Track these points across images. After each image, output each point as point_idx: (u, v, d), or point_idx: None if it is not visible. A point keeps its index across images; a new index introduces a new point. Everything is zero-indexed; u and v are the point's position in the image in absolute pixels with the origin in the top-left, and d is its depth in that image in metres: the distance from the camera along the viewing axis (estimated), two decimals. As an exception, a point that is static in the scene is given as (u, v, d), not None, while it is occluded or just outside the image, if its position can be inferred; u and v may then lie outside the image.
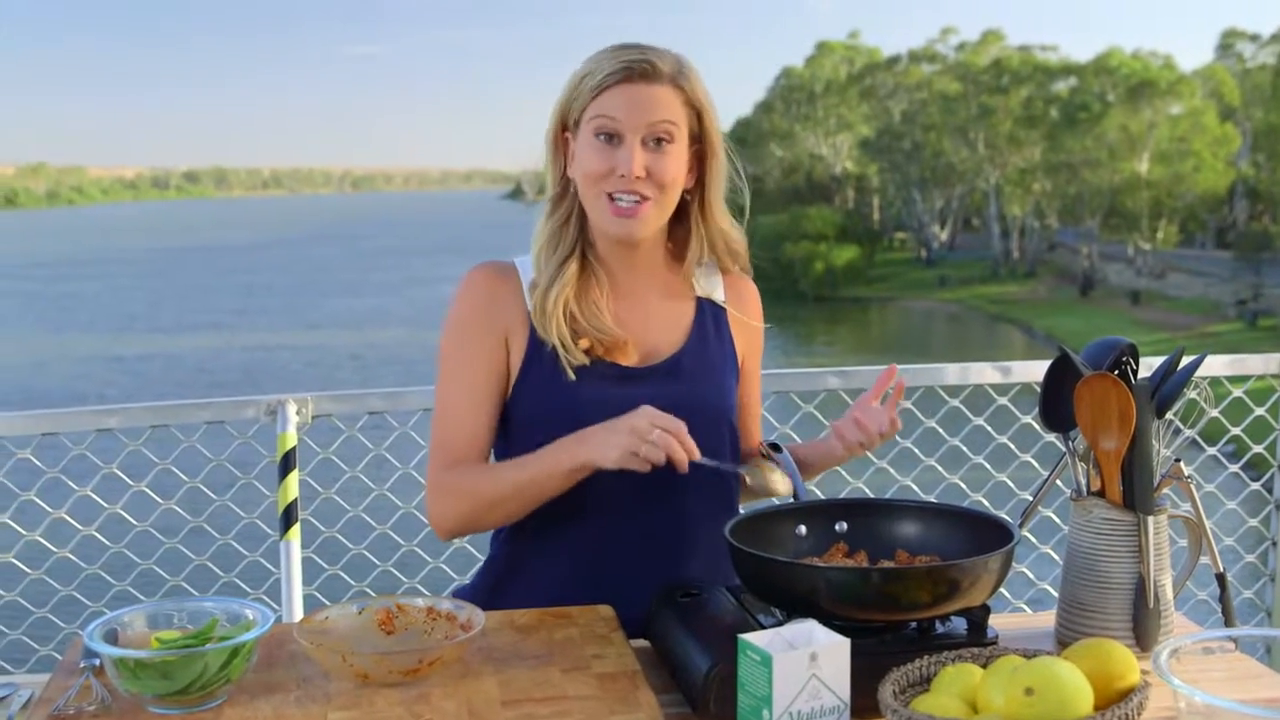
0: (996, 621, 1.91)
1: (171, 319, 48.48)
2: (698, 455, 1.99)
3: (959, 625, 1.87)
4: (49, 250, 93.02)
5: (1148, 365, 2.09)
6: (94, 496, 3.37)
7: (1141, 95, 53.71)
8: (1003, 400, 3.64)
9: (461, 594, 2.31)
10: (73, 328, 46.41)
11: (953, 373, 3.60)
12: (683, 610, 1.91)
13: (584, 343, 2.17)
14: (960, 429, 3.67)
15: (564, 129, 2.20)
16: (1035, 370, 3.51)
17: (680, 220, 2.28)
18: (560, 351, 2.16)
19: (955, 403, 3.64)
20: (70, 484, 3.36)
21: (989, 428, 3.67)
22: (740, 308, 2.39)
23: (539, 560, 2.25)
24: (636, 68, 2.10)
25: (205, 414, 3.31)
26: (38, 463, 3.30)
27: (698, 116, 2.18)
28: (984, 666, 1.64)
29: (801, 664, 1.55)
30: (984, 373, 3.60)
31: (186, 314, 50.08)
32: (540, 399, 2.18)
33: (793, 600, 1.84)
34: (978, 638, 1.84)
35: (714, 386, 2.28)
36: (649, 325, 2.26)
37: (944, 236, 66.22)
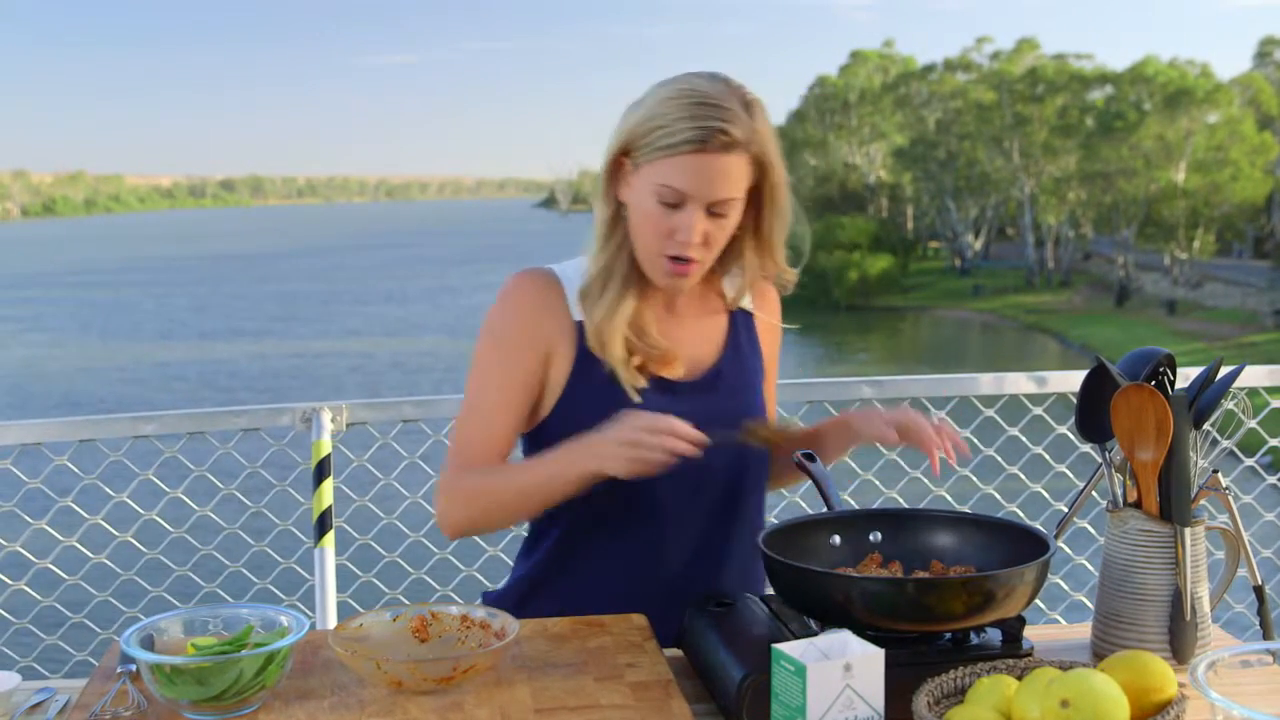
0: (1031, 633, 1.91)
1: (211, 326, 48.78)
2: (700, 439, 1.98)
3: (994, 636, 1.86)
4: (88, 258, 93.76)
5: (1185, 376, 2.08)
6: (130, 503, 3.40)
7: (1178, 104, 53.40)
8: (1038, 410, 3.62)
9: (490, 600, 2.32)
10: (113, 335, 46.75)
11: (987, 383, 3.58)
12: (716, 620, 1.91)
13: (636, 360, 2.17)
14: (995, 439, 3.65)
15: (625, 154, 2.14)
16: (1071, 380, 3.49)
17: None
18: (621, 373, 2.16)
19: (990, 413, 3.62)
20: (107, 490, 3.38)
21: (1024, 438, 3.65)
22: (763, 308, 2.40)
23: (570, 571, 2.26)
24: (713, 140, 2.04)
25: (241, 421, 3.33)
26: (75, 469, 3.32)
27: (762, 169, 2.14)
28: (1019, 678, 1.63)
29: (836, 674, 1.54)
30: (1019, 383, 3.58)
31: (225, 321, 50.39)
32: (592, 414, 2.13)
33: (827, 610, 1.83)
34: (1013, 649, 1.83)
35: (751, 397, 2.30)
36: (690, 339, 2.26)
37: (978, 246, 65.99)
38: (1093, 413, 2.05)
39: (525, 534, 2.37)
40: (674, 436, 1.95)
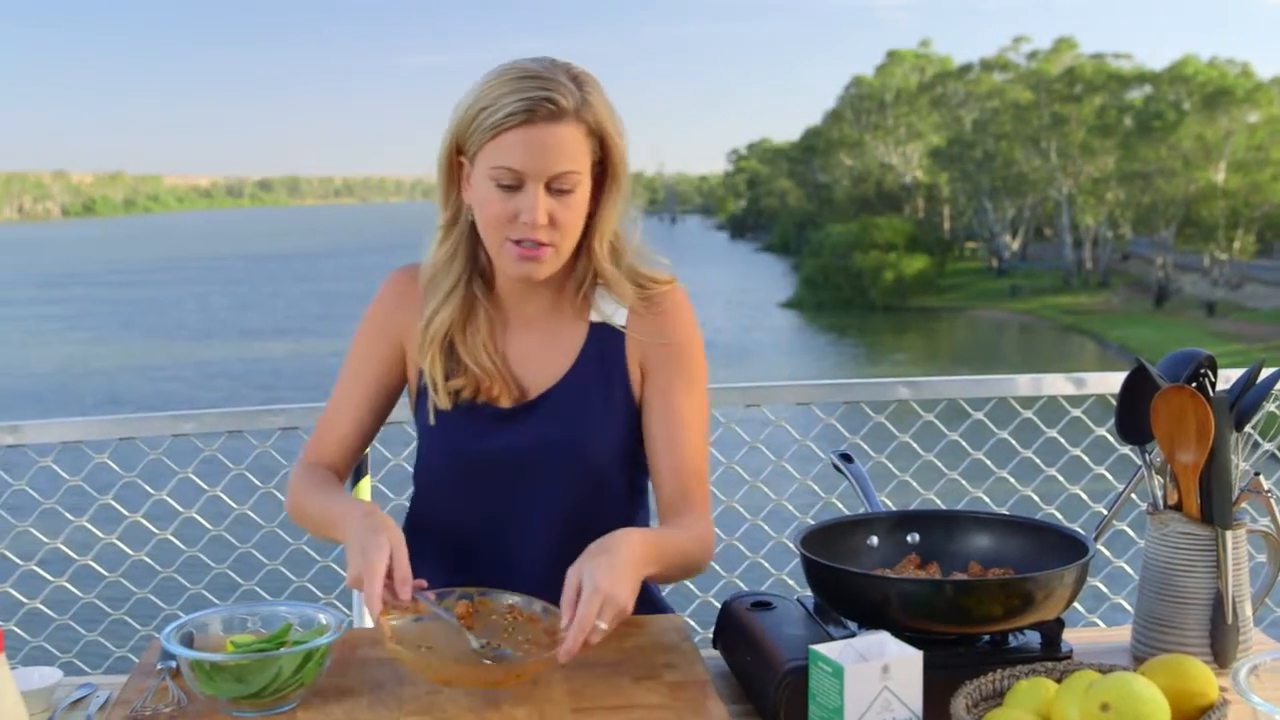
0: (1070, 636, 1.90)
1: (251, 324, 49.06)
2: (378, 601, 1.76)
3: (1033, 639, 1.85)
4: (127, 257, 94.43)
5: (1225, 377, 2.06)
6: (170, 500, 3.42)
7: (1218, 103, 53.02)
8: (1076, 412, 3.60)
9: None
10: (154, 333, 47.08)
11: (1025, 384, 3.56)
12: (754, 620, 1.91)
13: (456, 383, 2.12)
14: (1033, 441, 3.63)
15: (458, 152, 2.05)
16: (1110, 382, 3.47)
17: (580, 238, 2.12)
18: (431, 391, 2.12)
19: (1028, 414, 3.60)
20: (147, 488, 3.40)
21: (1062, 439, 3.63)
22: (649, 325, 2.14)
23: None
24: (540, 108, 1.94)
25: (279, 420, 3.34)
26: (115, 467, 3.35)
27: (601, 144, 2.04)
28: (1058, 681, 1.62)
29: (873, 676, 1.54)
30: (1057, 384, 3.56)
31: (266, 319, 50.66)
32: (419, 426, 2.20)
33: (865, 611, 1.83)
34: (1052, 652, 1.82)
35: (588, 426, 2.13)
36: (532, 355, 2.15)
37: (1015, 246, 65.68)
38: (1133, 414, 2.04)
39: None
40: (368, 587, 1.75)
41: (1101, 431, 3.51)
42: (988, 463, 3.63)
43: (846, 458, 2.32)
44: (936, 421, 3.63)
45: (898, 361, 42.86)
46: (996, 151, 61.91)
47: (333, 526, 1.98)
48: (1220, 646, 1.92)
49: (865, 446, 3.52)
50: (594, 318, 2.15)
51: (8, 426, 3.23)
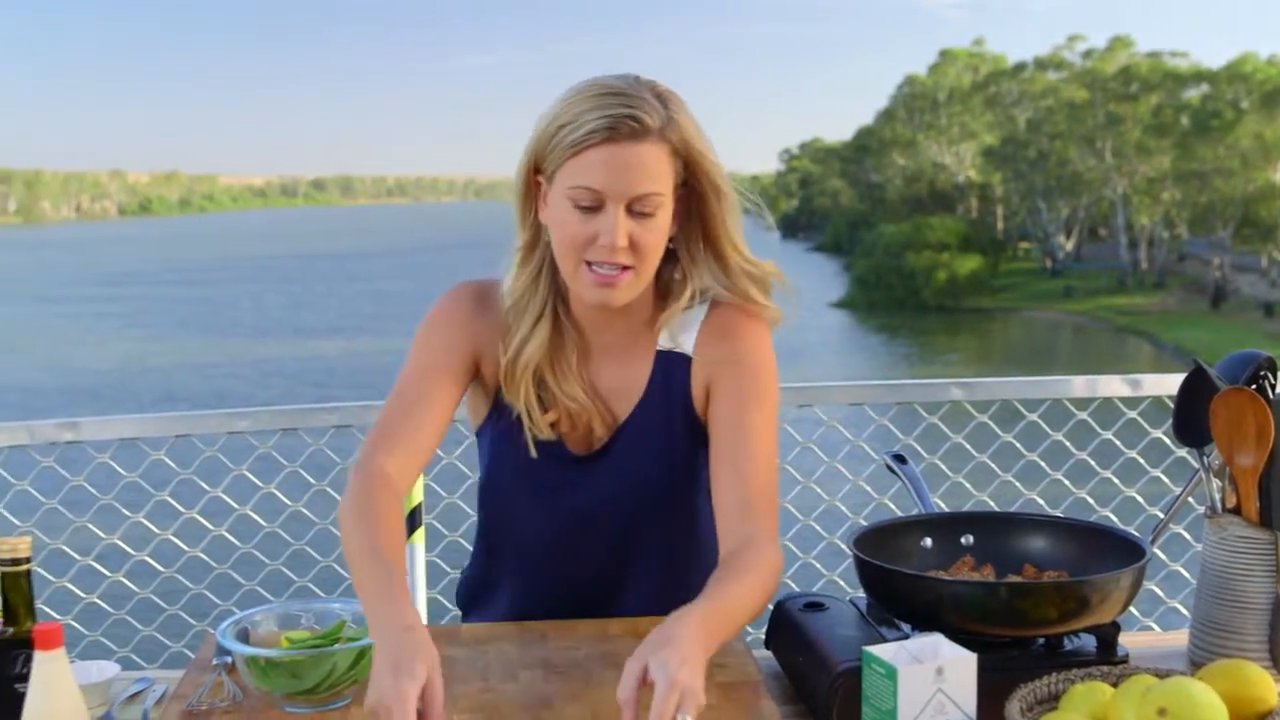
0: (1126, 640, 1.88)
1: (306, 323, 49.40)
2: None
3: (1088, 642, 1.84)
4: (184, 256, 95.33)
5: (1287, 380, 2.04)
6: (225, 497, 3.45)
7: (1276, 102, 52.38)
8: (1132, 414, 3.57)
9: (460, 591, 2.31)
10: (211, 331, 47.50)
11: (1080, 385, 3.53)
12: (807, 622, 1.90)
13: (552, 415, 2.04)
14: (1088, 442, 3.60)
15: (536, 171, 1.97)
16: (1166, 384, 3.44)
17: (668, 261, 2.04)
18: (526, 422, 2.03)
19: (1083, 415, 3.57)
20: (202, 484, 3.44)
21: (1118, 442, 3.60)
22: (721, 347, 2.06)
23: (502, 585, 2.20)
24: (623, 125, 1.86)
25: (332, 418, 3.37)
26: (171, 463, 3.38)
27: (687, 163, 1.95)
28: (1114, 685, 1.60)
29: (927, 678, 1.53)
30: (1112, 385, 3.53)
31: (320, 318, 51.01)
32: (499, 455, 2.09)
33: (918, 613, 1.82)
34: (1108, 656, 1.81)
35: (658, 469, 2.08)
36: (614, 389, 2.08)
37: (1069, 246, 65.17)
38: (1190, 416, 2.02)
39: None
40: None
41: (1158, 434, 3.48)
42: (1042, 464, 3.61)
43: (900, 458, 2.31)
44: (990, 423, 3.61)
45: (950, 362, 42.63)
46: (1050, 151, 61.46)
47: (366, 607, 1.69)
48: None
49: (918, 447, 3.51)
50: (663, 344, 2.08)
51: (66, 423, 3.27)
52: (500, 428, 2.08)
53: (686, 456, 2.08)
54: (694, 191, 1.99)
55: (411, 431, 1.97)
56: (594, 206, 1.89)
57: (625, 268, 1.92)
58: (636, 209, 1.90)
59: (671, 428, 2.07)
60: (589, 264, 1.92)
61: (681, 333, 2.07)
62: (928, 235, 59.90)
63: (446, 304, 2.08)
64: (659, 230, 1.93)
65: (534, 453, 2.03)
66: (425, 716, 1.51)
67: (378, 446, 1.93)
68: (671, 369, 2.07)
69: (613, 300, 1.94)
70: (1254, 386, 1.96)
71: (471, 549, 2.30)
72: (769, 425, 2.02)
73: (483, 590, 2.25)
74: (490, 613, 2.21)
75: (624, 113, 1.87)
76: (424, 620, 3.15)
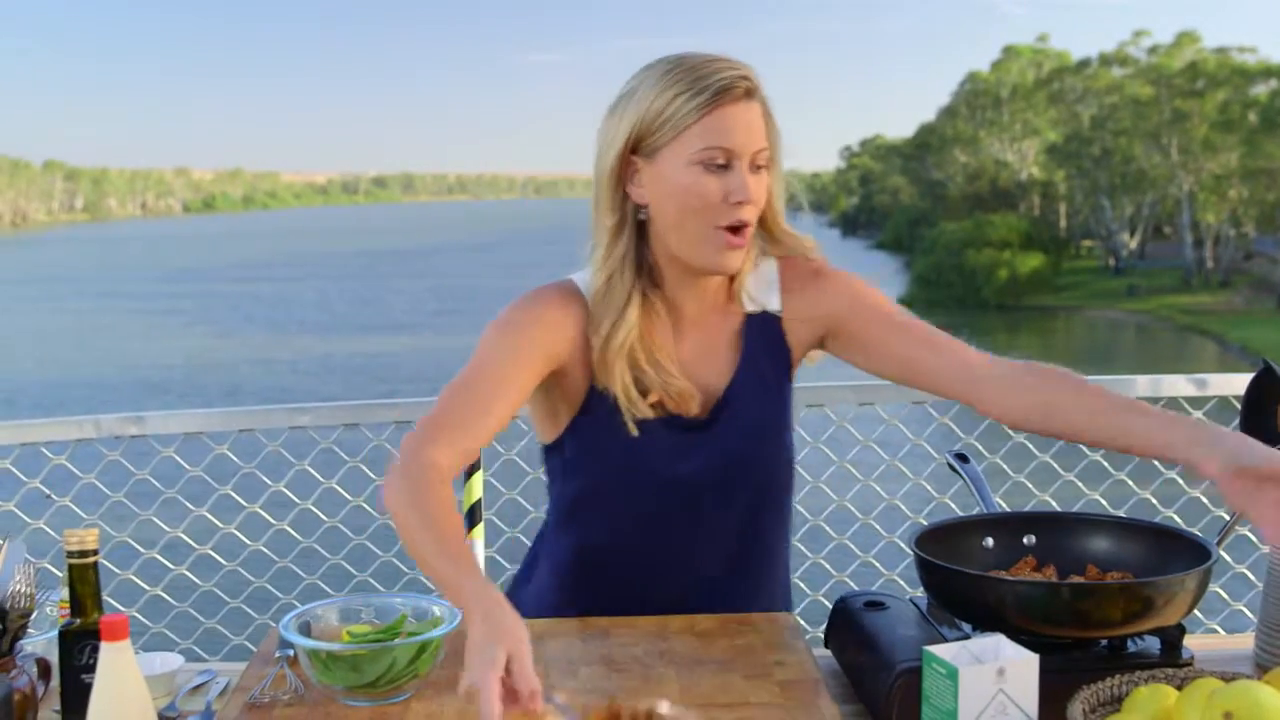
0: (1190, 642, 1.86)
1: (370, 319, 49.75)
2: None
3: (1152, 644, 1.82)
4: (248, 252, 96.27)
5: (1357, 380, 2.01)
6: (287, 492, 3.48)
7: (1347, 98, 51.62)
8: (1197, 414, 3.52)
9: (519, 591, 2.27)
10: (276, 327, 47.93)
11: (1143, 384, 3.49)
12: (867, 620, 1.90)
13: (652, 397, 2.03)
14: (1153, 443, 3.56)
15: (633, 151, 2.00)
16: (1233, 383, 3.39)
17: None
18: (624, 404, 2.02)
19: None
20: (265, 479, 3.47)
21: (1183, 442, 3.55)
22: (810, 297, 2.12)
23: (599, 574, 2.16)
24: (739, 85, 1.93)
25: (393, 414, 3.39)
26: (234, 458, 3.41)
27: (769, 122, 2.01)
28: (1178, 688, 1.59)
29: (988, 679, 1.52)
30: (1177, 385, 3.48)
31: (384, 315, 51.35)
32: (600, 444, 2.06)
33: (980, 613, 1.81)
34: (1172, 658, 1.79)
35: (768, 433, 2.11)
36: (706, 358, 2.10)
37: (1133, 245, 64.52)
38: (1259, 416, 1.99)
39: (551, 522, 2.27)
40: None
41: (1225, 434, 3.43)
42: (1105, 464, 3.57)
43: (962, 457, 2.30)
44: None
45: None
46: (1115, 148, 60.85)
47: (444, 589, 1.69)
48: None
49: (980, 446, 3.48)
50: (749, 307, 2.12)
51: (132, 417, 3.31)
52: (597, 416, 2.06)
53: (784, 413, 2.13)
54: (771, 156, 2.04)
55: (469, 425, 1.94)
56: (724, 165, 1.94)
57: (749, 223, 1.98)
58: (755, 164, 1.97)
59: (772, 387, 2.11)
60: (719, 227, 1.96)
61: (761, 294, 2.12)
62: (989, 233, 59.47)
63: (526, 304, 2.06)
64: (767, 186, 2.00)
65: (635, 431, 2.03)
66: (514, 694, 1.50)
67: (431, 437, 1.89)
68: (765, 329, 2.12)
69: (737, 263, 2.00)
70: (1323, 387, 1.93)
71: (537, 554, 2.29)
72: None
73: (569, 580, 2.22)
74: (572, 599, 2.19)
75: (738, 73, 1.94)
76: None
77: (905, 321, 2.10)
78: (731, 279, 2.10)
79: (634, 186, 2.01)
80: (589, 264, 2.07)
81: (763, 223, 2.07)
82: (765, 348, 2.11)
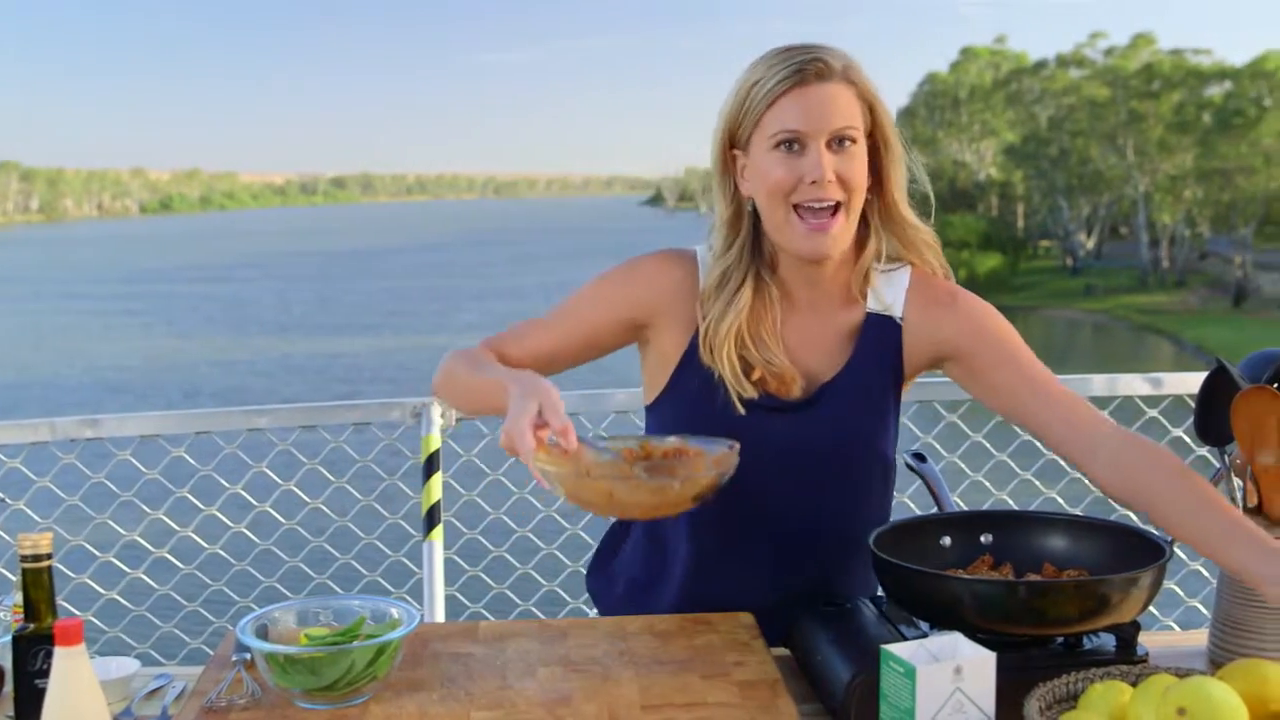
0: (1146, 639, 1.87)
1: (331, 320, 49.50)
2: (529, 447, 1.78)
3: (1107, 641, 1.83)
4: (206, 253, 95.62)
5: (1309, 378, 2.03)
6: (244, 494, 3.46)
7: (1300, 99, 52.14)
8: (1153, 412, 3.56)
9: (606, 592, 2.31)
10: (237, 328, 47.63)
11: (1100, 384, 3.52)
12: (825, 620, 1.90)
13: (756, 373, 2.08)
14: (1109, 441, 3.58)
15: (732, 146, 2.07)
16: (1188, 382, 3.42)
17: (859, 223, 2.12)
18: (731, 383, 2.07)
19: (1104, 414, 3.55)
20: (222, 481, 3.45)
21: (1138, 440, 3.58)
22: (930, 304, 2.15)
23: (692, 570, 2.19)
24: (810, 68, 1.98)
25: (352, 415, 3.38)
26: (191, 460, 3.39)
27: (870, 111, 2.05)
28: (1133, 685, 1.60)
29: (945, 677, 1.53)
30: (1133, 384, 3.52)
31: (345, 316, 51.09)
32: (696, 416, 2.08)
33: (937, 612, 1.82)
34: (1127, 655, 1.80)
35: (865, 423, 2.14)
36: (814, 343, 2.13)
37: (1090, 245, 64.92)
38: (1212, 415, 2.01)
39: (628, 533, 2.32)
40: (517, 442, 1.79)
41: (1179, 432, 3.47)
42: (1062, 463, 3.59)
43: (920, 457, 2.31)
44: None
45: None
46: (1072, 149, 61.21)
47: (486, 394, 1.96)
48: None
49: (938, 446, 3.50)
50: (872, 306, 2.15)
51: (87, 420, 3.28)
52: (692, 387, 2.11)
53: (885, 417, 2.16)
54: (874, 144, 2.08)
55: (524, 337, 2.16)
56: (797, 149, 1.99)
57: (835, 209, 2.00)
58: (836, 145, 1.99)
59: (878, 386, 2.14)
60: (798, 211, 2.00)
61: (887, 296, 2.15)
62: (948, 233, 59.19)
63: (632, 260, 2.17)
64: (860, 161, 2.02)
65: (742, 410, 2.07)
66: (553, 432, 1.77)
67: (491, 342, 2.14)
68: (883, 332, 2.14)
69: (825, 248, 2.02)
70: (1276, 385, 1.95)
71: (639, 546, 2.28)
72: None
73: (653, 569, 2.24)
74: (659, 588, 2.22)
75: (807, 57, 1.99)
76: (441, 617, 3.18)
77: (1029, 368, 2.13)
78: (863, 274, 2.14)
79: (741, 180, 2.08)
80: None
81: (881, 206, 2.12)
82: (879, 349, 2.14)
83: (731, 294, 2.08)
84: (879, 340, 2.14)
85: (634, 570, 2.27)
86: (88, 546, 3.45)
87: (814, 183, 1.98)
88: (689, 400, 2.11)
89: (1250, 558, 1.71)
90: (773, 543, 2.16)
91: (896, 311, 2.15)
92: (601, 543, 2.37)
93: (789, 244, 2.05)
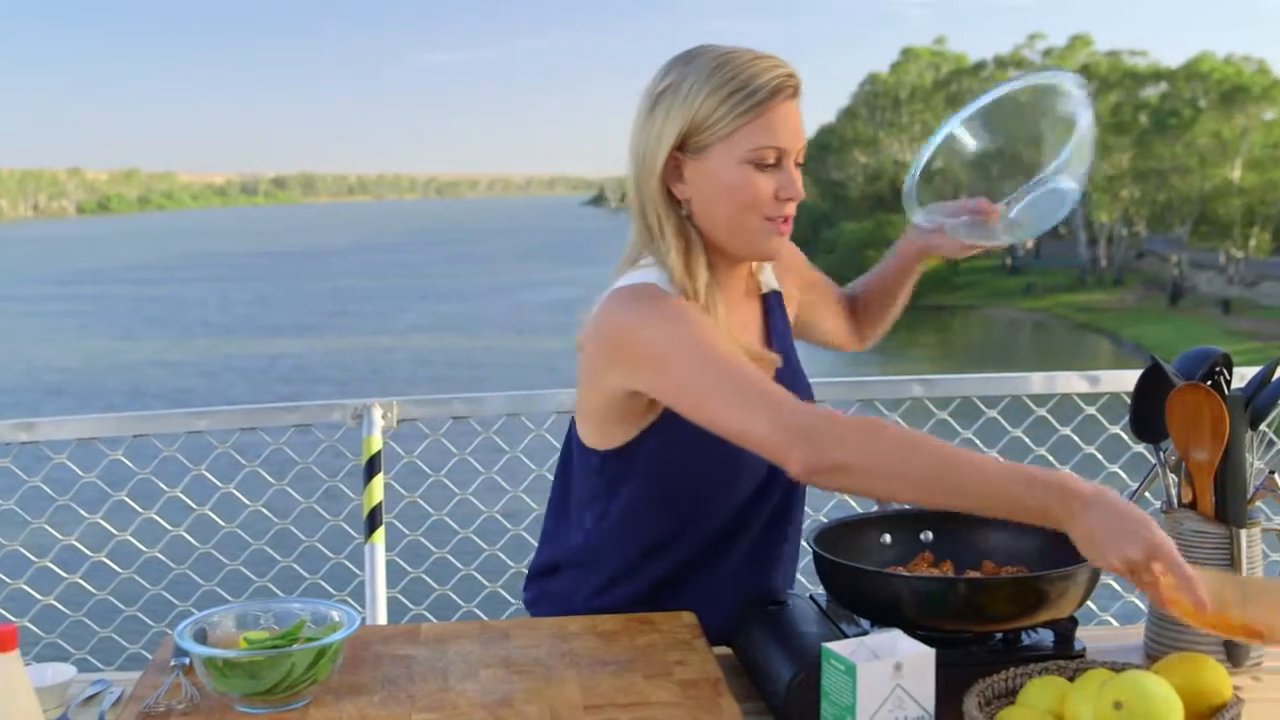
0: (1083, 634, 1.89)
1: (275, 321, 49.17)
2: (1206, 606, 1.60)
3: (1046, 637, 1.85)
4: (146, 254, 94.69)
5: (1241, 375, 2.06)
6: (184, 498, 3.43)
7: (1234, 101, 52.85)
8: (1090, 410, 3.59)
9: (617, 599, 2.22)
10: (176, 329, 47.19)
11: (1038, 381, 3.56)
12: (767, 618, 1.91)
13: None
14: (1046, 439, 3.62)
15: (679, 148, 2.01)
16: (1124, 380, 3.46)
17: None
18: None
19: (1042, 412, 3.59)
20: (161, 485, 3.41)
21: (1076, 438, 3.62)
22: (785, 264, 2.29)
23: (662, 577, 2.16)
24: (790, 84, 1.98)
25: (293, 417, 3.35)
26: (129, 464, 3.36)
27: None
28: (1071, 679, 1.62)
29: (886, 674, 1.54)
30: (1071, 382, 3.55)
31: (290, 316, 50.77)
32: (692, 432, 1.97)
33: (878, 609, 1.83)
34: (1065, 650, 1.82)
35: (807, 390, 2.21)
36: (750, 337, 2.15)
37: (1029, 244, 65.47)
38: (1147, 412, 2.03)
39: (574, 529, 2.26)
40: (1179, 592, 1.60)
41: (1116, 430, 3.50)
42: (1002, 461, 3.62)
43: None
44: (950, 420, 3.63)
45: (911, 359, 42.81)
46: (1011, 149, 61.72)
47: (1011, 487, 1.69)
48: (1233, 646, 1.91)
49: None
50: (764, 289, 2.23)
51: (22, 424, 3.24)
52: None
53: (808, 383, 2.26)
54: None
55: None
56: (773, 164, 1.99)
57: (790, 218, 2.05)
58: (798, 161, 2.03)
59: (796, 358, 2.25)
60: (766, 218, 2.01)
61: (764, 273, 2.24)
62: (889, 233, 59.84)
63: (662, 296, 2.00)
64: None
65: None
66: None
67: (786, 400, 1.84)
68: (777, 306, 2.24)
69: (782, 249, 2.07)
70: (1209, 382, 1.97)
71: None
72: None
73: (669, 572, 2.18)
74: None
75: (785, 72, 1.99)
76: (383, 619, 3.16)
77: (827, 285, 2.46)
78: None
79: (678, 184, 2.03)
80: (654, 266, 2.03)
81: None
82: (782, 323, 2.23)
83: (712, 292, 2.04)
84: (779, 314, 2.24)
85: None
86: (23, 551, 3.40)
87: (789, 199, 2.01)
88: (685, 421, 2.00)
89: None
90: (751, 546, 2.16)
91: (773, 283, 2.25)
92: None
93: (747, 248, 2.04)
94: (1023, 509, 1.68)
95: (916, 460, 1.75)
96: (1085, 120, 2.04)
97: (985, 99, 2.12)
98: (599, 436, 2.10)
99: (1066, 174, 2.07)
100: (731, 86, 1.96)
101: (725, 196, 2.00)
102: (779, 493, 2.15)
